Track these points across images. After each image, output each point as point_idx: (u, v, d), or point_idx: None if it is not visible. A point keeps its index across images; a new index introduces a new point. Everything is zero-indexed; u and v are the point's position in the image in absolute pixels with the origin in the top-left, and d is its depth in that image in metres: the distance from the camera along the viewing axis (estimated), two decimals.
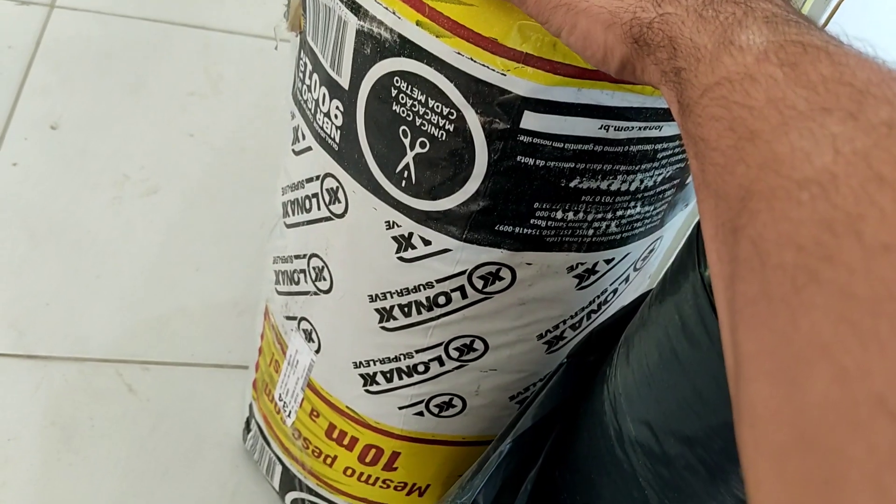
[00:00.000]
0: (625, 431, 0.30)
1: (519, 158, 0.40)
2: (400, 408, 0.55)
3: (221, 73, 1.12)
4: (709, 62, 0.24)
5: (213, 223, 0.93)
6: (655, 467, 0.29)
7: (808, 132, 0.18)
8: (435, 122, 0.40)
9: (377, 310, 0.49)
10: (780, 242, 0.17)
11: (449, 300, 0.47)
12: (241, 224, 0.94)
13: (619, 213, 0.44)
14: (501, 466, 0.35)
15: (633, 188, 0.42)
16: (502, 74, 0.37)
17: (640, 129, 0.39)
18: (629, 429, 0.30)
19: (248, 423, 0.72)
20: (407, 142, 0.41)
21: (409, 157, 0.42)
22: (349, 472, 0.61)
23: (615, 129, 0.39)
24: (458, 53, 0.37)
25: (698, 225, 0.36)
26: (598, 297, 0.50)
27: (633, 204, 0.44)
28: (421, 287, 0.47)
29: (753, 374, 0.18)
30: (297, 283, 0.55)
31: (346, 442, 0.59)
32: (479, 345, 0.50)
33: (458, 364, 0.51)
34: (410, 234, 0.45)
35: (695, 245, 0.31)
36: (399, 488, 0.62)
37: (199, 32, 1.17)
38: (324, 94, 0.45)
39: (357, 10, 0.40)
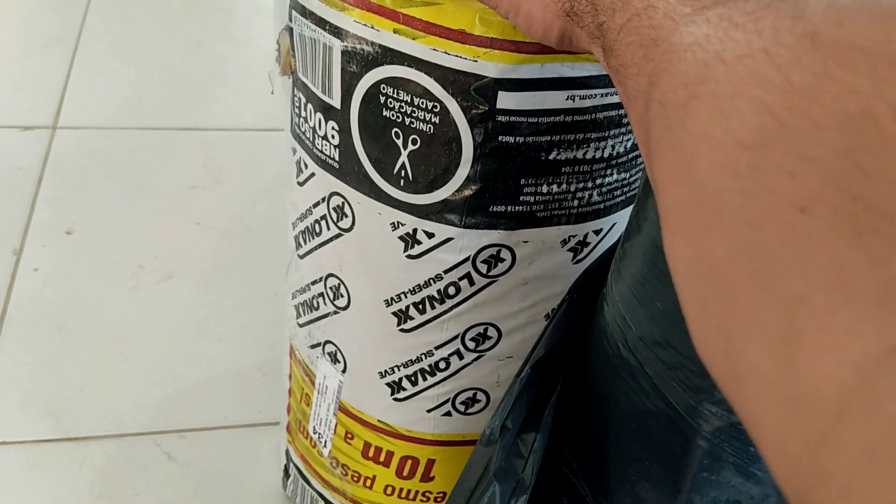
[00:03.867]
0: (627, 334, 0.34)
1: (500, 138, 0.44)
2: (428, 411, 0.58)
3: (220, 165, 1.18)
4: (622, 7, 0.30)
5: (228, 298, 0.98)
6: (656, 352, 0.32)
7: (693, 22, 0.24)
8: (422, 117, 0.44)
9: (394, 313, 0.53)
10: (674, 88, 0.23)
11: (458, 290, 0.51)
12: (255, 295, 0.98)
13: (599, 181, 0.48)
14: (523, 395, 0.38)
15: (606, 155, 0.47)
16: (474, 61, 0.42)
17: (602, 95, 0.44)
18: (630, 329, 0.34)
19: (286, 469, 0.75)
20: (400, 142, 0.46)
21: (403, 156, 0.46)
22: (389, 490, 0.64)
23: (580, 98, 0.44)
24: (434, 50, 0.42)
25: None
26: None
27: (609, 171, 0.48)
28: (431, 281, 0.51)
29: (664, 187, 0.22)
30: (317, 308, 0.59)
31: (382, 458, 0.62)
32: (492, 332, 0.53)
33: (475, 355, 0.54)
34: (415, 231, 0.49)
35: None
36: (439, 499, 0.64)
37: (194, 133, 1.25)
38: (319, 120, 0.50)
39: (339, 33, 0.45)
